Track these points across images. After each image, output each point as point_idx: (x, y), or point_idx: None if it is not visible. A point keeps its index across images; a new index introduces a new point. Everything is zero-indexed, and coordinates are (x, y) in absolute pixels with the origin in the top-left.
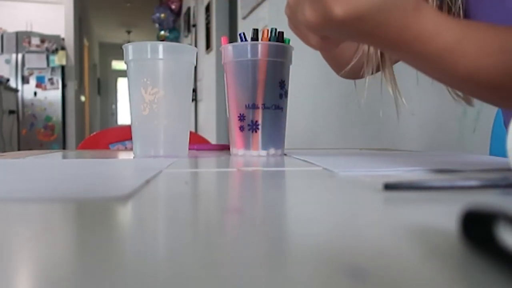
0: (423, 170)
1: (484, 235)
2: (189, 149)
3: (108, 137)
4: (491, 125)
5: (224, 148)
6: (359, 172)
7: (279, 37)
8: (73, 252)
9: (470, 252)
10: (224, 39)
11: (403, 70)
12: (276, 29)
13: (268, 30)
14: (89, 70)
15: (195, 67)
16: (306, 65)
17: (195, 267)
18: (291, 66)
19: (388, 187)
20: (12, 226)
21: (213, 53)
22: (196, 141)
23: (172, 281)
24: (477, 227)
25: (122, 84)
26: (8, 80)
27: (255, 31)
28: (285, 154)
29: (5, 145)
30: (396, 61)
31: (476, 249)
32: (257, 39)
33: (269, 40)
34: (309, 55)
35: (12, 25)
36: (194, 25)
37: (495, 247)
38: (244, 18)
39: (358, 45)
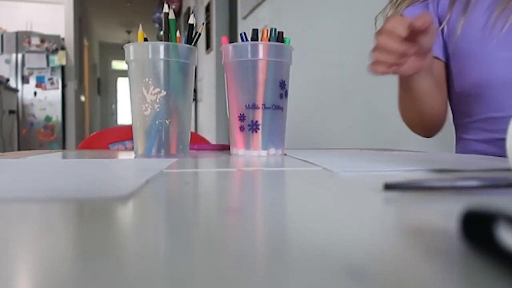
0: (423, 170)
1: (484, 235)
2: (190, 149)
3: (108, 137)
4: None
5: (224, 148)
6: (359, 172)
7: (278, 37)
8: (73, 252)
9: (470, 252)
10: (224, 39)
11: None
12: (275, 29)
13: (267, 30)
14: (89, 70)
15: (195, 67)
16: (307, 65)
17: (195, 267)
18: (291, 66)
19: (388, 187)
20: (12, 226)
21: (213, 53)
22: (196, 141)
23: (173, 281)
24: (477, 227)
25: (122, 84)
26: (8, 80)
27: (255, 31)
28: (285, 154)
29: (5, 145)
30: None
31: (476, 249)
32: (257, 39)
33: (269, 40)
34: (310, 55)
35: (12, 25)
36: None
37: (495, 247)
38: (244, 18)
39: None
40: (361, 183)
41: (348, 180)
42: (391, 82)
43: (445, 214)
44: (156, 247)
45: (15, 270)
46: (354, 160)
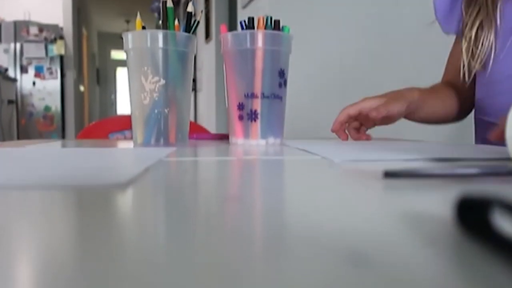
0: (423, 159)
1: (480, 222)
2: (189, 138)
3: (107, 126)
4: None
5: (223, 137)
6: (359, 161)
7: (275, 25)
8: (72, 239)
9: (466, 238)
10: (223, 27)
11: (405, 72)
12: (271, 17)
13: (263, 18)
14: (88, 60)
15: (195, 57)
16: (306, 54)
17: (195, 255)
18: (291, 55)
19: (388, 174)
20: (12, 214)
21: (212, 43)
22: (196, 131)
23: (172, 269)
24: (472, 214)
25: (121, 74)
26: (6, 69)
27: (251, 20)
28: (284, 144)
29: (4, 135)
30: None
31: (471, 236)
32: (253, 28)
33: (265, 28)
34: (310, 45)
35: (10, 14)
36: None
37: (490, 234)
38: (244, 7)
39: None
40: (361, 171)
41: (347, 168)
42: (391, 71)
43: (444, 201)
44: (155, 234)
45: (14, 258)
46: (353, 150)
